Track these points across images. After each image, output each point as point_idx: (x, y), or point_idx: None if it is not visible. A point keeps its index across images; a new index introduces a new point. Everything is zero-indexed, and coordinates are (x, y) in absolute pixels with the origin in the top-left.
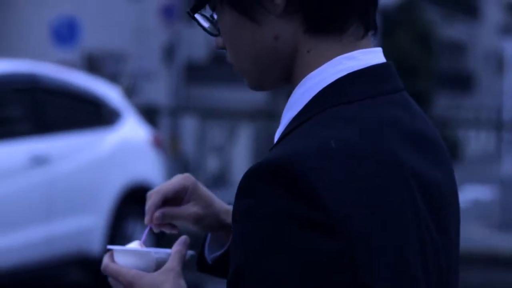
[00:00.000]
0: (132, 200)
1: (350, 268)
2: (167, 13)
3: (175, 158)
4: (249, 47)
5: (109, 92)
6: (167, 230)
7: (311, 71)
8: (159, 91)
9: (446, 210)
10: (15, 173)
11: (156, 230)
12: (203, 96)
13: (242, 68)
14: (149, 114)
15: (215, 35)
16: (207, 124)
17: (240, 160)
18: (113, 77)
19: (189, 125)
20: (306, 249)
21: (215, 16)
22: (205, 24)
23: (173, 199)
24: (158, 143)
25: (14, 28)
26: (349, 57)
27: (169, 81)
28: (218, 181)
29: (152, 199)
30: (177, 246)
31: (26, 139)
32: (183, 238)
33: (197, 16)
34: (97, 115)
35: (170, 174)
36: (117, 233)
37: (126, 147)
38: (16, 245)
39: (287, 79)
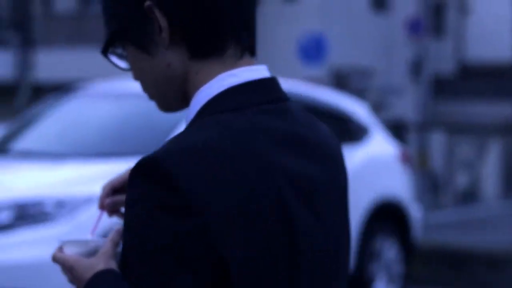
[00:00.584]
0: (380, 217)
1: (206, 242)
2: (414, 27)
3: (424, 173)
4: (149, 76)
5: (356, 108)
6: (119, 217)
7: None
8: (407, 107)
9: (321, 200)
10: None
11: (109, 217)
12: (451, 111)
13: (150, 94)
14: (397, 130)
15: (128, 70)
16: (456, 140)
17: (490, 176)
18: (360, 93)
19: (437, 141)
20: (168, 228)
21: (125, 53)
22: (118, 61)
23: (123, 188)
24: (406, 159)
25: (263, 45)
26: (230, 75)
27: (416, 96)
28: (467, 197)
29: (103, 189)
30: (111, 234)
31: None
32: (118, 227)
33: (110, 54)
34: (345, 131)
35: (419, 190)
36: (365, 250)
37: (374, 163)
38: None
39: (187, 99)
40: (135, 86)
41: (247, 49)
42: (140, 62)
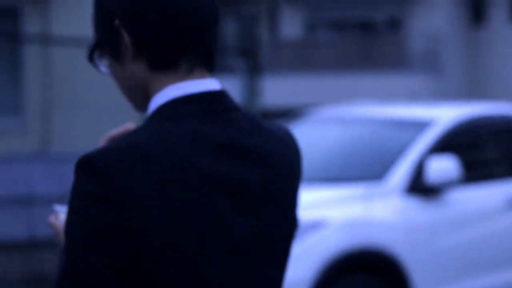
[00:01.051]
0: None
1: (124, 232)
2: None
3: None
4: (120, 82)
5: None
6: None
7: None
8: None
9: (250, 199)
10: (491, 215)
11: None
12: None
13: (125, 96)
14: None
15: (107, 75)
16: None
17: None
18: None
19: None
20: (91, 216)
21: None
22: (102, 67)
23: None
24: None
25: (490, 71)
26: (176, 87)
27: None
28: None
29: (101, 140)
30: None
31: (502, 182)
32: None
33: (96, 62)
34: None
35: None
36: None
37: None
38: None
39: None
40: (362, 112)
41: (201, 64)
42: (114, 70)
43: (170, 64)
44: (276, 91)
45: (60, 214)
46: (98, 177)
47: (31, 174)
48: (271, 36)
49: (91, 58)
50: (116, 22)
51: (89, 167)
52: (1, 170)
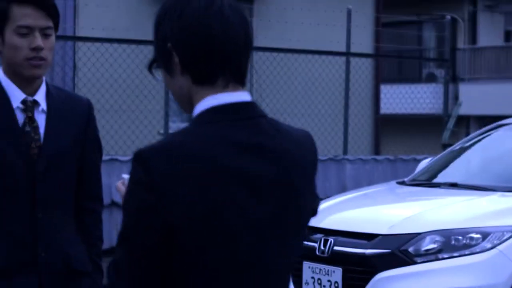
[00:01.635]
0: None
1: (163, 212)
2: None
3: None
4: (172, 91)
5: None
6: None
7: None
8: None
9: (268, 191)
10: None
11: None
12: None
13: (176, 101)
14: None
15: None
16: None
17: None
18: None
19: None
20: (140, 197)
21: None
22: (158, 76)
23: None
24: None
25: None
26: (213, 97)
27: None
28: None
29: None
30: None
31: None
32: None
33: (154, 71)
34: None
35: None
36: None
37: None
38: None
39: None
40: None
41: (234, 80)
42: (167, 81)
43: (208, 80)
44: (473, 98)
45: (126, 181)
46: (144, 167)
47: None
48: (469, 44)
49: (150, 69)
50: (169, 45)
51: (139, 158)
52: None
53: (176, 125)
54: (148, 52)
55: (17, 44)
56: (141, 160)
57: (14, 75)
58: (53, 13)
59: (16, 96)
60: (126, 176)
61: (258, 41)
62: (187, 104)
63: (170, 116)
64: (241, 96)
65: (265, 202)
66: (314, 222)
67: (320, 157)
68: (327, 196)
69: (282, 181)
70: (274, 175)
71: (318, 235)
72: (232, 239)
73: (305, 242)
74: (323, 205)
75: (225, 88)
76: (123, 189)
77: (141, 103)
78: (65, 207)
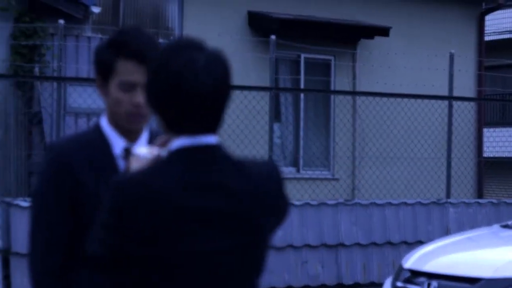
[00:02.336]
0: None
1: (122, 234)
2: None
3: None
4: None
5: None
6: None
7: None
8: None
9: (224, 226)
10: None
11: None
12: None
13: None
14: None
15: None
16: None
17: None
18: None
19: None
20: (110, 217)
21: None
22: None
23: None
24: None
25: None
26: (180, 140)
27: None
28: None
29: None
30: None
31: None
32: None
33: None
34: None
35: None
36: None
37: None
38: None
39: None
40: None
41: (202, 127)
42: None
43: (177, 126)
44: None
45: (139, 150)
46: (117, 193)
47: (338, 221)
48: None
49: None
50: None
51: (115, 187)
52: (311, 215)
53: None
54: (252, 97)
55: (119, 98)
56: (116, 188)
57: (116, 125)
58: None
59: (118, 143)
60: (138, 153)
61: (361, 86)
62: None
63: (274, 160)
64: (206, 139)
65: (221, 235)
66: (417, 265)
67: (423, 200)
68: (430, 240)
69: (238, 215)
70: (230, 210)
71: (422, 279)
72: (182, 269)
73: (409, 286)
74: (426, 249)
75: (191, 132)
76: (130, 164)
77: (246, 148)
78: None
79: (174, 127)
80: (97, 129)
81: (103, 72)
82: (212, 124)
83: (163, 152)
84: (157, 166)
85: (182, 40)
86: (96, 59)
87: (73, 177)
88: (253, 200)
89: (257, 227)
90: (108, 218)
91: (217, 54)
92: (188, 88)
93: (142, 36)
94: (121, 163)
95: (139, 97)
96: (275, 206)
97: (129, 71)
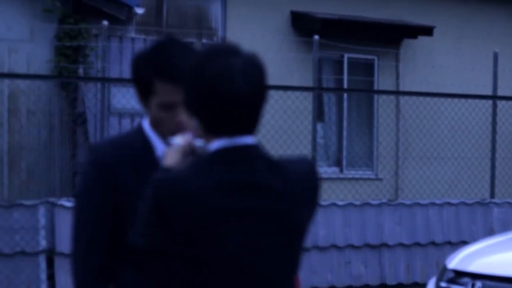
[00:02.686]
0: None
1: (168, 232)
2: None
3: None
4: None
5: None
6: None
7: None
8: None
9: (260, 225)
10: None
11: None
12: None
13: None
14: None
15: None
16: None
17: None
18: None
19: None
20: (151, 218)
21: None
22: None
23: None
24: None
25: None
26: (219, 142)
27: None
28: None
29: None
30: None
31: None
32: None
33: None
34: None
35: None
36: None
37: None
38: None
39: None
40: None
41: (241, 131)
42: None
43: (214, 130)
44: None
45: (176, 138)
46: (157, 192)
47: (381, 221)
48: None
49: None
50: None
51: (155, 185)
52: (354, 215)
53: (324, 169)
54: (295, 98)
55: (161, 117)
56: (157, 187)
57: (157, 131)
58: None
59: (160, 146)
60: (175, 142)
61: (404, 86)
62: None
63: (317, 160)
64: (244, 140)
65: (257, 235)
66: (461, 266)
67: (467, 200)
68: (474, 240)
69: (275, 215)
70: (267, 210)
71: (466, 279)
72: (217, 269)
73: (453, 286)
74: (470, 249)
75: (230, 134)
76: (168, 155)
77: (289, 148)
78: None
79: (213, 129)
80: (140, 131)
81: (142, 90)
82: (249, 126)
83: (198, 142)
84: (196, 166)
85: (218, 45)
86: (134, 77)
87: (115, 178)
88: (289, 199)
89: (293, 226)
90: (148, 214)
91: (253, 57)
92: (227, 93)
93: (178, 52)
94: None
95: (181, 116)
96: (310, 205)
97: (168, 92)
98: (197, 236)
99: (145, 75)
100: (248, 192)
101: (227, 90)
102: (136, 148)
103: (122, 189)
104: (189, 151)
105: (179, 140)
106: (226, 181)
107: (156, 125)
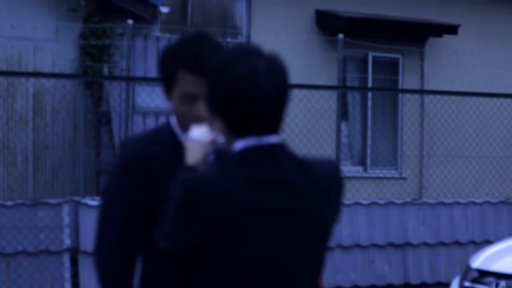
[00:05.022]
0: None
1: (195, 229)
2: None
3: None
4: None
5: None
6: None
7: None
8: None
9: (287, 221)
10: None
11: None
12: None
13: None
14: None
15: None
16: None
17: None
18: None
19: None
20: (181, 215)
21: None
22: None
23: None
24: None
25: None
26: (244, 141)
27: None
28: None
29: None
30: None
31: None
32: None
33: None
34: None
35: None
36: None
37: None
38: None
39: None
40: None
41: (266, 131)
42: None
43: (238, 130)
44: None
45: (195, 129)
46: (184, 193)
47: (405, 220)
48: None
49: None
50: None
51: (183, 186)
52: (378, 214)
53: (348, 168)
54: (319, 96)
55: (181, 111)
56: (185, 188)
57: (181, 127)
58: None
59: None
60: (194, 136)
61: (429, 84)
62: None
63: (341, 159)
64: (269, 139)
65: (285, 232)
66: (485, 265)
67: (491, 199)
68: (498, 239)
69: (302, 211)
70: (295, 206)
71: (490, 279)
72: (246, 266)
73: (477, 285)
74: (494, 248)
75: (254, 134)
76: (189, 147)
77: (313, 147)
78: None
79: (237, 130)
80: (168, 127)
81: (166, 81)
82: (274, 125)
83: (220, 139)
84: (223, 165)
85: (240, 47)
86: (160, 68)
87: (146, 173)
88: (315, 197)
89: (320, 222)
90: (178, 215)
91: (275, 58)
92: (251, 94)
93: (204, 46)
94: None
95: (201, 110)
96: (335, 204)
97: (190, 83)
98: (227, 234)
99: (170, 65)
100: (275, 190)
101: (252, 91)
102: (166, 143)
103: (154, 183)
104: (211, 148)
105: (197, 133)
106: (254, 179)
107: (179, 119)
